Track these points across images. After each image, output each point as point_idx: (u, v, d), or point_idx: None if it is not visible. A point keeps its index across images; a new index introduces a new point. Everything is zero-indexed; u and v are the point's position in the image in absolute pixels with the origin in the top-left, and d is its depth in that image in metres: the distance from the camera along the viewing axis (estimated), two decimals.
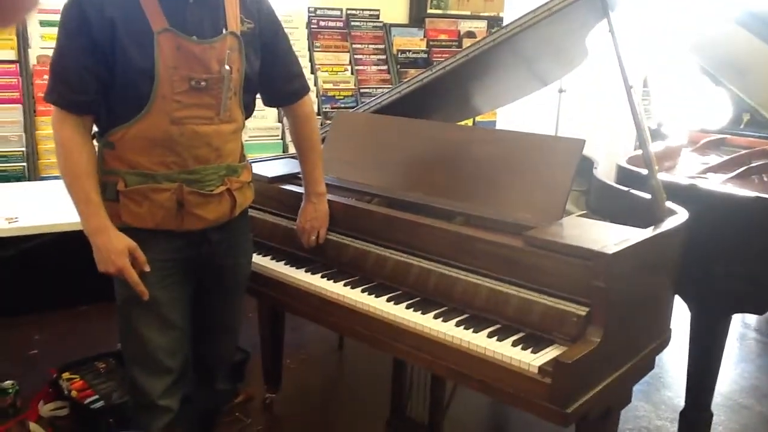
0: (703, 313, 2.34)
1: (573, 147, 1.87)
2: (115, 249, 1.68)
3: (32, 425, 2.43)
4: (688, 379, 2.41)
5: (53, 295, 3.40)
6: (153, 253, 1.74)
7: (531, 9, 2.02)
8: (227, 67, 1.71)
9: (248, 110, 1.86)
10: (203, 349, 1.95)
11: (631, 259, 1.64)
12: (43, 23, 3.45)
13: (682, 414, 2.48)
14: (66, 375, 2.64)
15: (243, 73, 1.76)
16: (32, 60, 3.46)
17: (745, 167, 2.88)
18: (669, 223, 1.83)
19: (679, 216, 1.89)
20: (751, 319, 4.05)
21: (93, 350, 2.90)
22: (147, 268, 1.71)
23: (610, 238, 1.65)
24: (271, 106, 2.09)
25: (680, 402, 2.81)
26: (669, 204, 1.94)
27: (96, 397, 2.52)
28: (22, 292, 3.34)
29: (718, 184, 2.69)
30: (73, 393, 2.54)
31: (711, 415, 2.48)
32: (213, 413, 2.12)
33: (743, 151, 3.23)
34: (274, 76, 1.90)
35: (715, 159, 3.30)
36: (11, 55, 3.41)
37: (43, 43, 3.46)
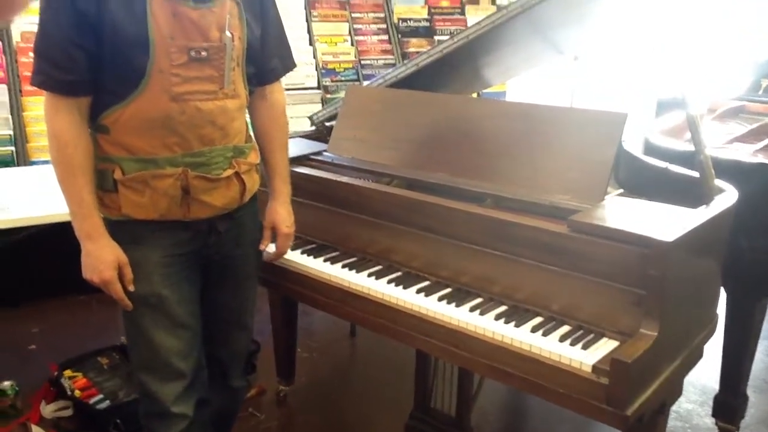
0: (737, 295, 2.22)
1: (615, 121, 1.73)
2: (104, 259, 1.55)
3: (35, 428, 2.30)
4: (723, 363, 2.31)
5: (50, 285, 3.25)
6: (157, 249, 1.61)
7: None
8: (228, 34, 1.55)
9: (251, 85, 1.70)
10: (216, 347, 1.82)
11: (688, 245, 1.50)
12: None
13: (717, 398, 2.38)
14: (68, 372, 2.50)
15: (245, 41, 1.61)
16: (15, 37, 3.26)
17: None
18: (720, 204, 1.69)
19: (728, 194, 1.75)
20: None
21: (94, 342, 2.77)
22: (132, 288, 1.58)
23: (663, 221, 1.52)
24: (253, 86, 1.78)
25: (708, 383, 2.72)
26: (717, 181, 1.80)
27: (101, 396, 2.39)
28: (17, 284, 3.19)
29: (750, 154, 2.56)
30: (77, 393, 2.41)
31: (747, 398, 2.38)
32: (231, 415, 1.98)
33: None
34: (263, 46, 1.71)
35: (735, 127, 3.17)
36: None
37: (26, 17, 3.26)
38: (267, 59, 1.75)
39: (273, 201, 1.85)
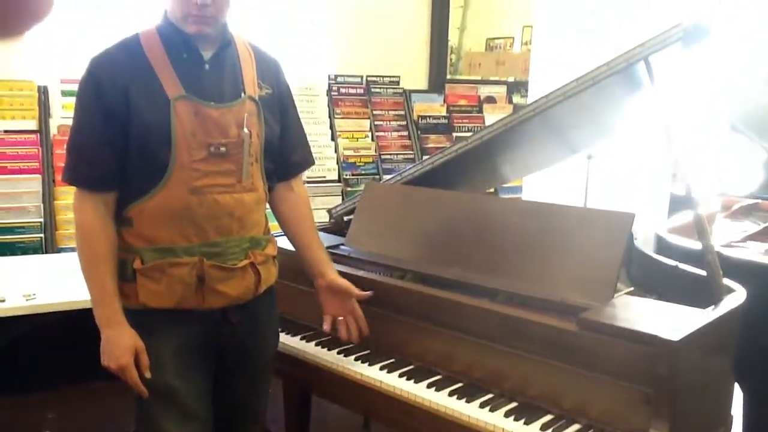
0: (755, 395, 2.20)
1: (622, 221, 1.78)
2: (121, 345, 1.60)
3: None
4: None
5: (67, 370, 3.28)
6: (171, 339, 1.66)
7: (574, 78, 1.95)
8: (246, 131, 1.64)
9: (270, 180, 1.79)
10: None
11: (696, 345, 1.52)
12: (64, 93, 3.42)
13: None
14: None
15: (263, 137, 1.70)
16: (53, 130, 3.42)
17: None
18: (729, 303, 1.71)
19: (737, 294, 1.77)
20: None
21: (108, 430, 2.76)
22: (148, 375, 1.63)
23: (671, 320, 1.54)
24: (274, 182, 1.87)
25: None
26: (726, 280, 1.82)
27: None
28: (36, 369, 3.22)
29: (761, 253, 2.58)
30: None
31: None
32: None
33: None
34: (283, 144, 1.82)
35: (749, 225, 3.20)
36: (32, 125, 3.37)
37: (64, 112, 3.43)
38: (290, 154, 1.85)
39: (328, 275, 1.90)
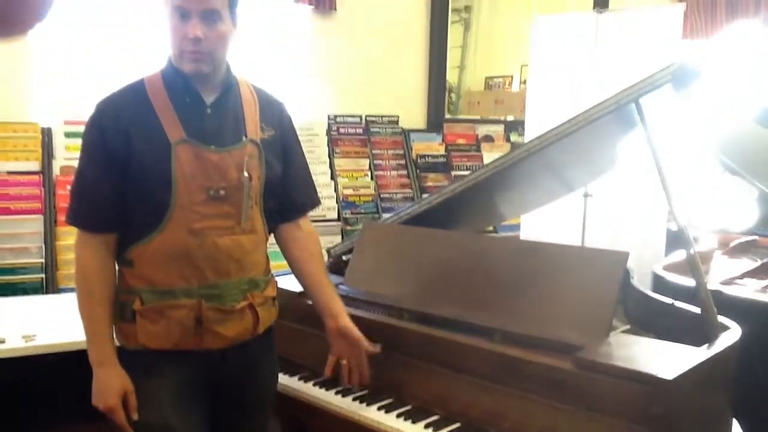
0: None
1: (616, 260, 1.79)
2: (111, 385, 1.62)
3: None
4: None
5: (67, 410, 3.26)
6: (169, 379, 1.66)
7: (567, 119, 1.99)
8: (246, 174, 1.67)
9: (271, 221, 1.81)
10: None
11: (690, 383, 1.53)
12: (68, 134, 3.47)
13: None
14: None
15: (263, 180, 1.72)
16: (56, 170, 3.46)
17: None
18: (724, 341, 1.72)
19: (732, 332, 1.79)
20: None
21: None
22: (135, 416, 1.64)
23: (666, 359, 1.55)
24: (279, 222, 1.88)
25: None
26: (720, 318, 1.84)
27: None
28: (33, 412, 3.21)
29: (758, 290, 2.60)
30: None
31: None
32: None
33: None
34: (287, 186, 1.84)
35: (746, 262, 3.22)
36: (35, 166, 3.41)
37: (67, 153, 3.48)
38: (295, 194, 1.87)
39: (340, 319, 1.87)
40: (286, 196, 1.85)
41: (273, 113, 1.81)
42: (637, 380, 1.47)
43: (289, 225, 1.89)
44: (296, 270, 1.93)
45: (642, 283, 2.38)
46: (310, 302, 2.13)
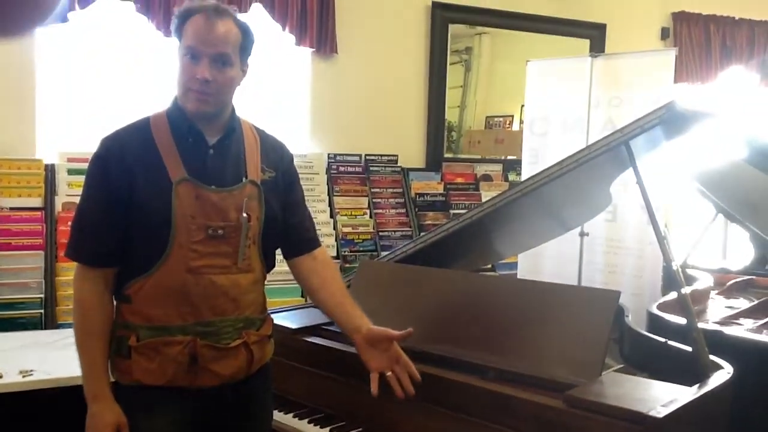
0: None
1: (609, 298, 1.82)
2: (104, 420, 1.64)
3: None
4: None
5: None
6: (165, 416, 1.67)
7: (559, 160, 2.03)
8: (245, 215, 1.69)
9: (269, 260, 1.82)
10: None
11: (681, 422, 1.54)
12: (70, 171, 3.52)
13: None
14: None
15: (262, 220, 1.75)
16: (58, 207, 3.50)
17: None
18: (715, 380, 1.74)
19: (724, 371, 1.80)
20: None
21: None
22: None
23: (657, 398, 1.57)
24: (292, 257, 1.93)
25: None
26: (712, 357, 1.85)
27: None
28: None
29: (753, 329, 2.60)
30: None
31: None
32: None
33: None
34: (293, 224, 1.88)
35: (743, 302, 3.23)
36: (38, 202, 3.46)
37: (69, 190, 3.52)
38: (304, 231, 1.90)
39: (363, 328, 1.83)
40: (297, 232, 1.89)
41: (275, 154, 1.84)
42: (628, 419, 1.48)
43: (305, 258, 1.91)
44: (317, 299, 1.93)
45: (639, 322, 2.40)
46: (305, 339, 2.17)
